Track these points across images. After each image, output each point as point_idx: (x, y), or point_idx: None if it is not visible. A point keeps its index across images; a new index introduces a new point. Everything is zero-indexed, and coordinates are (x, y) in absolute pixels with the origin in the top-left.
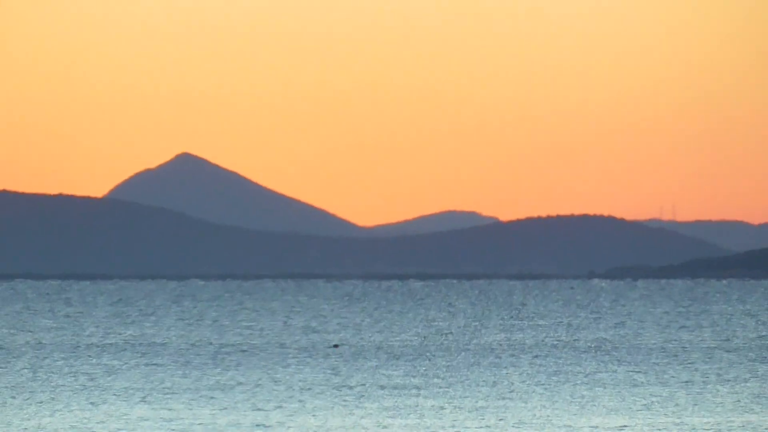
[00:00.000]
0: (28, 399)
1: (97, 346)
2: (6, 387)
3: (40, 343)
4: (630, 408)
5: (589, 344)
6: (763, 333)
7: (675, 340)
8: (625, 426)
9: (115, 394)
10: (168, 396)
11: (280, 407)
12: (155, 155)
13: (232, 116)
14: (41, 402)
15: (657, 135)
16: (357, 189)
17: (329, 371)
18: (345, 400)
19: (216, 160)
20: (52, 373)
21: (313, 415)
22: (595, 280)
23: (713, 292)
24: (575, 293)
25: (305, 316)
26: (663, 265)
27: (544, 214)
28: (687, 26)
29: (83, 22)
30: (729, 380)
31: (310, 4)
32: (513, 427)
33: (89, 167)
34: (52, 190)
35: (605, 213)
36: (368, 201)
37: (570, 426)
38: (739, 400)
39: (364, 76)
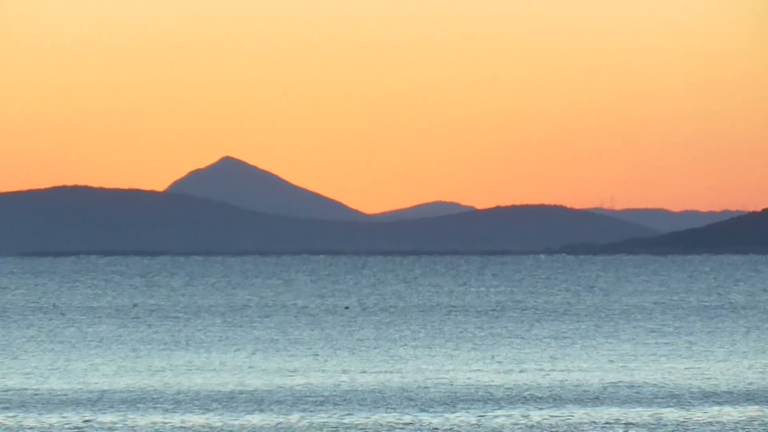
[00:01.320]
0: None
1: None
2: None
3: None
4: (561, 346)
5: (545, 305)
6: (675, 296)
7: (616, 301)
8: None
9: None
10: (250, 343)
11: (310, 349)
12: (204, 157)
13: (264, 125)
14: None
15: (600, 138)
16: (363, 183)
17: (341, 326)
18: (355, 346)
19: (251, 161)
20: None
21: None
22: (551, 255)
23: (643, 265)
24: (534, 265)
25: (322, 284)
26: (604, 243)
27: (510, 203)
28: (627, 26)
29: (148, 40)
30: (652, 331)
31: (316, 17)
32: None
33: (152, 166)
34: (124, 185)
35: (558, 203)
36: (372, 193)
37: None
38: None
39: (374, 89)
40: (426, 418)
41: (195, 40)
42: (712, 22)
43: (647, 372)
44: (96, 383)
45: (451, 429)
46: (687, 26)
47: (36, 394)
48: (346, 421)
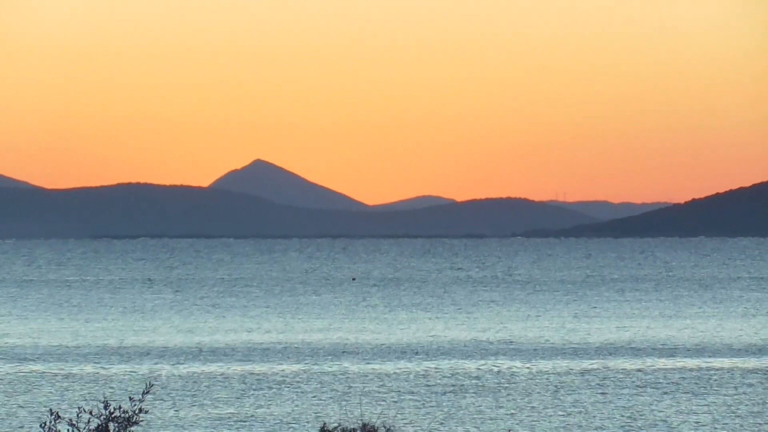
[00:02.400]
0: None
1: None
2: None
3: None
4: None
5: (511, 279)
6: (617, 273)
7: (569, 273)
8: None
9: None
10: (274, 310)
11: (325, 311)
12: (240, 160)
13: (288, 132)
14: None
15: (556, 141)
16: (366, 180)
17: (351, 294)
18: (362, 312)
19: (278, 163)
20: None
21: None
22: (516, 238)
23: (589, 246)
24: (503, 247)
25: (334, 261)
26: (558, 229)
27: (483, 197)
28: (582, 30)
29: (198, 59)
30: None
31: (316, 32)
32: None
33: (198, 167)
34: (175, 182)
35: (522, 196)
36: (373, 188)
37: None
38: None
39: (375, 103)
40: (415, 365)
41: (235, 59)
42: (650, 29)
43: (575, 330)
44: (168, 339)
45: (426, 373)
46: (626, 33)
47: (76, 348)
48: (355, 369)
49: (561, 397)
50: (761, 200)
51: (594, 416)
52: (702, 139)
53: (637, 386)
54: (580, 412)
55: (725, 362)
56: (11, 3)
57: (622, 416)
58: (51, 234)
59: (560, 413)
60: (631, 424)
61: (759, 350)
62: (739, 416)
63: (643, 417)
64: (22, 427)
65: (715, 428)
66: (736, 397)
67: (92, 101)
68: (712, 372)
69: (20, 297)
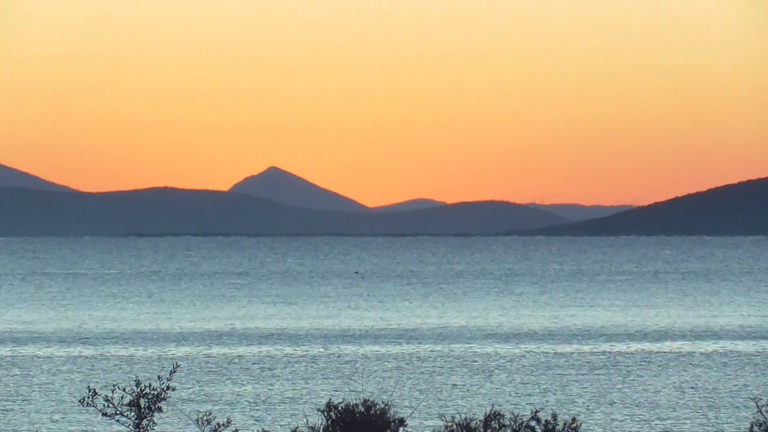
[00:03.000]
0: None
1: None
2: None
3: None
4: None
5: (496, 271)
6: (597, 264)
7: (545, 268)
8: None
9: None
10: (286, 301)
11: (328, 299)
12: (256, 166)
13: (298, 142)
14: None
15: (534, 150)
16: (367, 184)
17: (354, 286)
18: (365, 302)
19: (289, 170)
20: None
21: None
22: (499, 237)
23: (563, 244)
24: (488, 244)
25: (339, 256)
26: (536, 228)
27: (471, 199)
28: (561, 48)
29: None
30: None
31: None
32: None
33: (218, 173)
34: (199, 186)
35: (505, 199)
36: (373, 192)
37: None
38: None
39: (375, 114)
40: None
41: (253, 74)
42: (618, 45)
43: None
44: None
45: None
46: (592, 45)
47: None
48: (359, 351)
49: (540, 376)
50: (716, 203)
51: (569, 392)
52: (663, 147)
53: (607, 366)
54: (557, 389)
55: (677, 345)
56: (55, 14)
57: (591, 391)
58: (87, 232)
59: (538, 390)
60: (599, 399)
61: (708, 336)
62: (695, 389)
63: (609, 393)
64: (64, 401)
65: (672, 401)
66: (686, 375)
67: (125, 113)
68: (667, 353)
69: (69, 289)
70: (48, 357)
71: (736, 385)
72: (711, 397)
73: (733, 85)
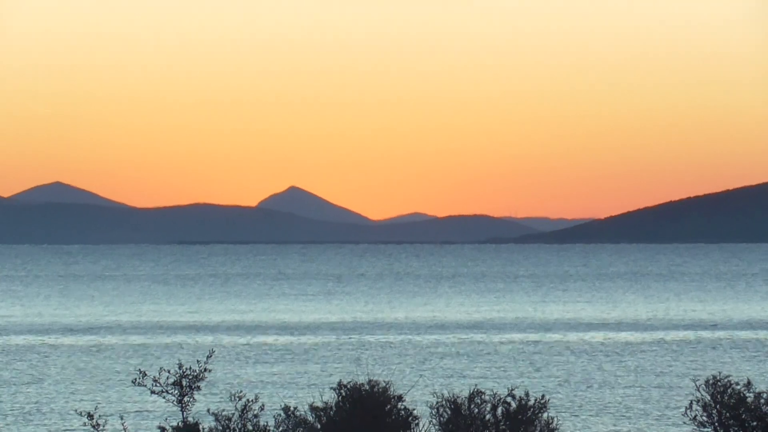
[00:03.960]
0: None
1: (291, 275)
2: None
3: (279, 273)
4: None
5: (477, 274)
6: (547, 267)
7: (517, 270)
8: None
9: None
10: (297, 295)
11: (332, 295)
12: (279, 185)
13: (314, 164)
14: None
15: (509, 170)
16: (371, 200)
17: (363, 285)
18: (370, 294)
19: (307, 188)
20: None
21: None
22: (480, 245)
23: (533, 251)
24: (471, 251)
25: (348, 262)
26: (510, 237)
27: (456, 213)
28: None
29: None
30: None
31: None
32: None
33: (248, 190)
34: (231, 202)
35: (485, 213)
36: (376, 206)
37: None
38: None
39: (377, 137)
40: (417, 338)
41: (276, 108)
42: (559, 63)
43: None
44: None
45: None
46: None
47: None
48: (367, 339)
49: (521, 360)
50: (661, 216)
51: (540, 374)
52: (615, 169)
53: (573, 352)
54: (531, 372)
55: (631, 334)
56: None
57: (559, 373)
58: (139, 241)
59: (515, 373)
60: (568, 379)
61: (653, 327)
62: (646, 372)
63: (574, 375)
64: (124, 381)
65: (626, 382)
66: (640, 359)
67: (168, 139)
68: (623, 341)
69: (130, 289)
70: (110, 345)
71: (679, 368)
72: (658, 378)
73: (674, 109)
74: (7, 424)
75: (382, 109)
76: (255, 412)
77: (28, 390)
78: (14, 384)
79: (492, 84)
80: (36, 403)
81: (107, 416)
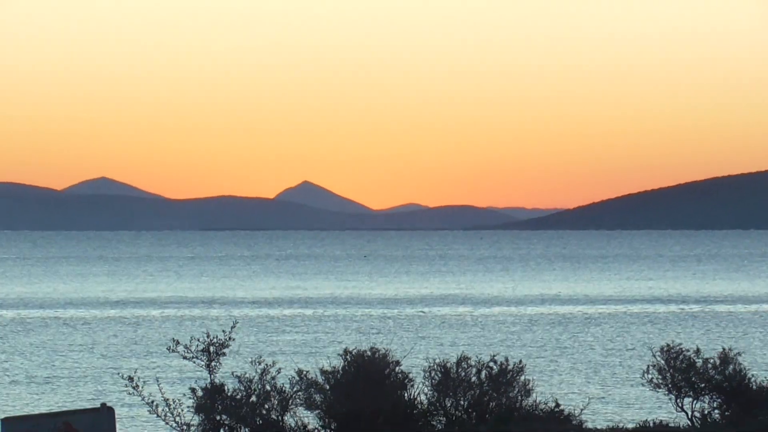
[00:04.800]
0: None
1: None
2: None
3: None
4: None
5: (462, 255)
6: (521, 251)
7: (495, 252)
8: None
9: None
10: (304, 276)
11: (342, 276)
12: (294, 180)
13: (324, 160)
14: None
15: (491, 163)
16: (373, 190)
17: (366, 265)
18: (373, 277)
19: (317, 182)
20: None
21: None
22: (466, 231)
23: (512, 237)
24: (457, 237)
25: (352, 245)
26: (492, 225)
27: (447, 204)
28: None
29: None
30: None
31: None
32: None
33: (266, 184)
34: (252, 194)
35: (469, 203)
36: (378, 197)
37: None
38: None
39: (380, 131)
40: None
41: (292, 107)
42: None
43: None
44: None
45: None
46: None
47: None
48: (370, 312)
49: (503, 331)
50: (624, 206)
51: (520, 342)
52: (584, 162)
53: (548, 323)
54: (512, 341)
55: (600, 308)
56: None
57: (536, 342)
58: (174, 228)
59: (497, 341)
60: (544, 346)
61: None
62: (612, 340)
63: (551, 343)
64: (159, 349)
65: (594, 348)
66: (600, 331)
67: (196, 136)
68: (592, 314)
69: (166, 269)
70: (150, 317)
71: (639, 337)
72: (622, 345)
73: (631, 106)
74: (62, 386)
75: (382, 109)
76: (273, 375)
77: (80, 356)
78: (69, 351)
79: (479, 86)
80: (86, 368)
81: (145, 379)
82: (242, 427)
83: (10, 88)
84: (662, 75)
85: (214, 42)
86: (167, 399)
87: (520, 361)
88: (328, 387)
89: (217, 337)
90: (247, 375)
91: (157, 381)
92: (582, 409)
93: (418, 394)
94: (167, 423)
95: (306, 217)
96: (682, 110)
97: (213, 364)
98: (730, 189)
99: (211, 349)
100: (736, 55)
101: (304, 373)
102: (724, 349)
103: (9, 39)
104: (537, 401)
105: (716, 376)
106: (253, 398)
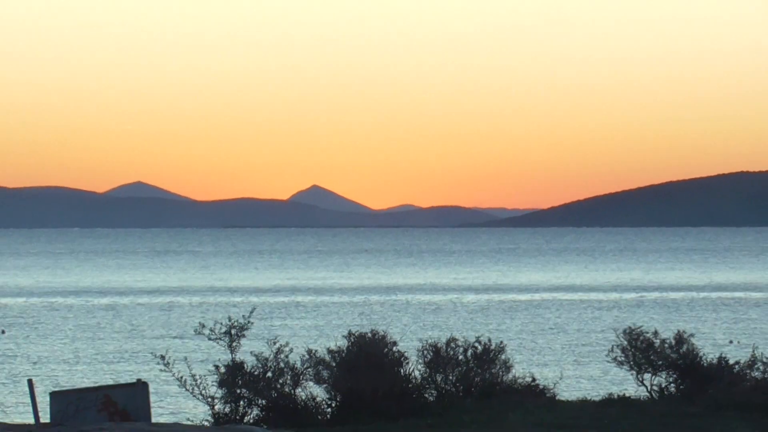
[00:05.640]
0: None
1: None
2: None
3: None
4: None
5: (452, 250)
6: (515, 244)
7: (478, 247)
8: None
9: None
10: (308, 262)
11: (345, 267)
12: (305, 184)
13: (331, 168)
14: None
15: (476, 166)
16: (372, 193)
17: (367, 257)
18: (379, 266)
19: (325, 186)
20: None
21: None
22: (454, 228)
23: (494, 233)
24: (447, 234)
25: (355, 241)
26: (477, 223)
27: (437, 204)
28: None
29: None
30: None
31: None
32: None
33: (280, 187)
34: (269, 196)
35: (456, 204)
36: (377, 198)
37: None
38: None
39: (380, 135)
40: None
41: (303, 116)
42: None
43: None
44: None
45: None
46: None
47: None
48: (371, 299)
49: (484, 314)
50: (593, 207)
51: (501, 326)
52: (556, 166)
53: (528, 309)
54: (494, 323)
55: (570, 295)
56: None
57: (515, 325)
58: (200, 226)
59: (481, 323)
60: (524, 329)
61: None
62: (581, 321)
63: (536, 322)
64: (187, 331)
65: (566, 330)
66: (561, 315)
67: (220, 145)
68: (564, 300)
69: (194, 262)
70: (180, 303)
71: (607, 321)
72: (590, 328)
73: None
74: (106, 363)
75: (380, 119)
76: (286, 354)
77: (122, 338)
78: (110, 333)
79: (467, 100)
80: (127, 350)
81: (175, 358)
82: (259, 399)
83: (63, 104)
84: (626, 85)
85: (239, 62)
86: (194, 375)
87: (501, 342)
88: (334, 364)
89: (237, 321)
90: (263, 354)
91: (186, 359)
92: (555, 384)
93: (413, 370)
94: (194, 396)
95: (315, 216)
96: (643, 121)
97: (234, 344)
98: (686, 191)
99: (232, 331)
100: (701, 62)
101: (313, 352)
102: (679, 331)
103: (64, 60)
104: (516, 377)
105: (672, 355)
106: (269, 374)
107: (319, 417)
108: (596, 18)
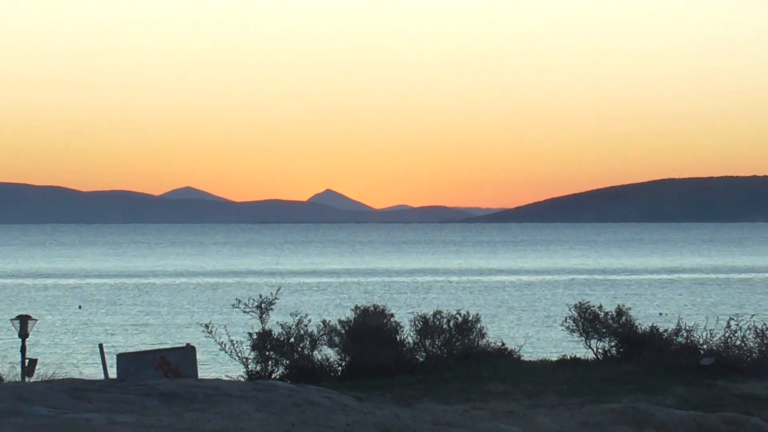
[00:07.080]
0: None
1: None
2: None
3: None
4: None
5: (434, 241)
6: (480, 237)
7: (463, 239)
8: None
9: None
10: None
11: (350, 258)
12: (320, 187)
13: (342, 174)
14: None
15: (460, 170)
16: (375, 194)
17: (371, 246)
18: (384, 255)
19: (336, 189)
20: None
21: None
22: (441, 224)
23: (471, 228)
24: (434, 228)
25: (361, 234)
26: (458, 219)
27: (426, 205)
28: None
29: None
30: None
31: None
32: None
33: (300, 190)
34: (290, 198)
35: (446, 204)
36: (378, 199)
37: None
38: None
39: (382, 139)
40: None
41: (322, 118)
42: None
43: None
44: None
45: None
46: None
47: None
48: (373, 280)
49: (465, 292)
50: (555, 206)
51: (478, 302)
52: (525, 167)
53: (502, 288)
54: (472, 300)
55: (535, 277)
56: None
57: (491, 301)
58: (237, 223)
59: (465, 299)
60: (497, 306)
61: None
62: (545, 300)
63: (505, 298)
64: (227, 306)
65: (532, 306)
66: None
67: (253, 152)
68: (534, 282)
69: (233, 251)
70: (222, 283)
71: (565, 298)
72: (548, 303)
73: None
74: (160, 332)
75: (380, 127)
76: (305, 323)
77: (174, 312)
78: (166, 307)
79: (454, 106)
80: (178, 321)
81: (217, 327)
82: (284, 360)
83: (126, 121)
84: (585, 88)
85: (265, 85)
86: (232, 340)
87: (477, 314)
88: (343, 332)
89: (266, 297)
90: (287, 323)
91: (225, 328)
92: (520, 347)
93: (407, 337)
94: (232, 357)
95: (328, 214)
96: (602, 126)
97: (264, 316)
98: (632, 193)
99: (263, 305)
100: (669, 64)
101: (327, 322)
102: (619, 305)
103: (115, 75)
104: (489, 342)
105: (613, 325)
106: (292, 339)
107: (332, 374)
108: (563, 25)
